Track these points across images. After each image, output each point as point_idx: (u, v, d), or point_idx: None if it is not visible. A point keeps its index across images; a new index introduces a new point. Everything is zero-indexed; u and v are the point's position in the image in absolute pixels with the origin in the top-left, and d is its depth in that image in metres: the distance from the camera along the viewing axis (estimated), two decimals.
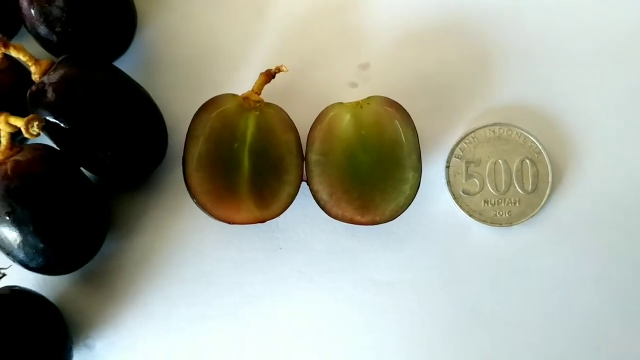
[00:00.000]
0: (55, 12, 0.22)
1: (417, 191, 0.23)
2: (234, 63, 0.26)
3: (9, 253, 0.22)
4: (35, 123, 0.21)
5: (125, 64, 0.25)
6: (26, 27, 0.24)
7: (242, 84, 0.25)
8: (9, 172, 0.21)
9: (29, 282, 0.24)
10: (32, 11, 0.22)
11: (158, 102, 0.24)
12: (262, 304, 0.24)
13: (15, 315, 0.22)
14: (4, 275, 0.23)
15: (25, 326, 0.22)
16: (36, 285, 0.24)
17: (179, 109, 0.25)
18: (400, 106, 0.23)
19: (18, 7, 0.23)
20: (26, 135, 0.21)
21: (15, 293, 0.23)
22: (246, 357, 0.24)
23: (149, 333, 0.24)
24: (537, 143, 0.25)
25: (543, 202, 0.24)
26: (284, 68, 0.24)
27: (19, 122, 0.21)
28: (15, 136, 0.22)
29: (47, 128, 0.22)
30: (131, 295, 0.24)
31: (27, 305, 0.23)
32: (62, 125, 0.22)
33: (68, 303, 0.24)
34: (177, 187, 0.25)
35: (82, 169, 0.23)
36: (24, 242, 0.21)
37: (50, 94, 0.22)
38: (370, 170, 0.23)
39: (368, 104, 0.24)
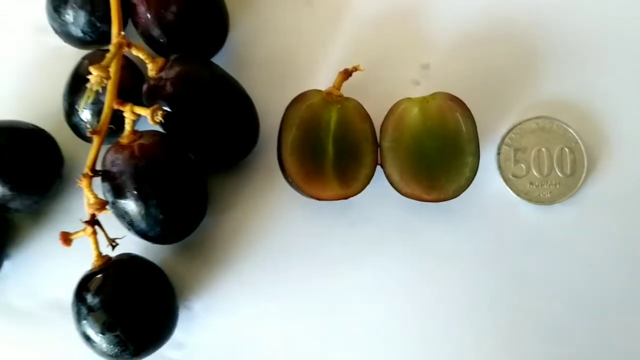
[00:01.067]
0: (169, 16, 0.26)
1: (475, 174, 0.27)
2: (313, 60, 0.29)
3: (130, 223, 0.25)
4: (159, 112, 0.24)
5: (218, 61, 0.28)
6: (137, 28, 0.27)
7: (321, 78, 0.29)
8: (136, 153, 0.25)
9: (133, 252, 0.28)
10: (149, 15, 0.26)
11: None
12: (338, 272, 0.28)
13: (134, 277, 0.26)
14: (117, 244, 0.27)
15: (142, 287, 0.26)
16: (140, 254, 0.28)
17: (265, 100, 0.28)
18: (461, 101, 0.27)
19: (133, 12, 0.26)
20: (150, 122, 0.24)
21: (133, 258, 0.26)
22: (324, 317, 0.28)
23: (240, 296, 0.28)
24: (574, 134, 0.28)
25: (579, 184, 0.28)
26: (360, 67, 0.28)
27: (144, 112, 0.24)
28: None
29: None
30: (225, 263, 0.28)
31: (143, 269, 0.26)
32: (176, 114, 0.25)
33: (169, 270, 0.28)
34: (266, 169, 0.28)
35: None
36: (147, 214, 0.25)
37: (168, 87, 0.25)
38: (435, 155, 0.27)
39: (433, 99, 0.27)
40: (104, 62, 0.23)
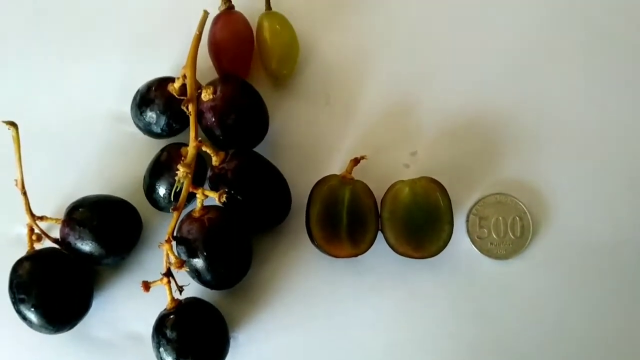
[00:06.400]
0: (230, 121, 0.35)
1: (450, 237, 0.36)
2: (331, 147, 0.39)
3: (198, 275, 0.34)
4: (225, 195, 0.33)
5: (260, 147, 0.37)
6: (201, 126, 0.36)
7: (337, 160, 0.39)
8: (206, 225, 0.33)
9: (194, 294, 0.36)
10: (213, 120, 0.35)
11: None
12: (347, 309, 0.37)
13: (199, 315, 0.34)
14: (183, 289, 0.35)
15: (205, 323, 0.34)
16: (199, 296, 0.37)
17: (294, 177, 0.37)
18: (440, 183, 0.37)
19: (201, 116, 0.35)
20: (217, 203, 0.33)
21: (197, 301, 0.35)
22: (336, 344, 0.37)
23: (275, 329, 0.37)
24: (523, 206, 0.38)
25: (527, 244, 0.38)
26: (366, 157, 0.37)
27: (213, 194, 0.33)
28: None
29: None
30: (263, 303, 0.37)
31: (205, 309, 0.35)
32: (233, 193, 0.34)
33: (220, 308, 0.36)
34: (296, 232, 0.37)
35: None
36: (212, 269, 0.34)
37: (230, 175, 0.34)
38: (421, 224, 0.36)
39: (420, 181, 0.37)
40: (187, 160, 0.32)
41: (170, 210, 0.33)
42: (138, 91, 0.36)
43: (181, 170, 0.32)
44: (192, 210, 0.35)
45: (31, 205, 0.36)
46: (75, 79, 0.40)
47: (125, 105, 0.38)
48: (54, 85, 0.40)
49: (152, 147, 0.38)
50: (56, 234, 0.36)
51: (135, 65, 0.40)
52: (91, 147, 0.39)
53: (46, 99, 0.40)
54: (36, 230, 0.36)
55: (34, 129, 0.39)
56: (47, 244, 0.36)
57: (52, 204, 0.38)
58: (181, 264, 0.33)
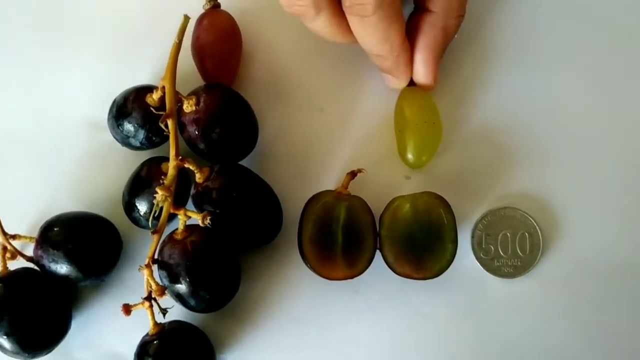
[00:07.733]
0: (214, 135, 0.32)
1: (454, 257, 0.34)
2: (325, 157, 0.36)
3: (181, 300, 0.32)
4: (209, 217, 0.30)
5: (248, 158, 0.35)
6: (183, 137, 0.33)
7: (332, 171, 0.36)
8: (189, 249, 0.31)
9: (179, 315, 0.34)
10: (197, 133, 0.32)
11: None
12: (343, 328, 0.35)
13: (183, 340, 0.32)
14: (167, 312, 0.33)
15: (189, 348, 0.32)
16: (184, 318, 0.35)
17: (286, 189, 0.35)
18: (443, 198, 0.34)
19: (183, 129, 0.32)
20: (201, 225, 0.31)
21: (181, 325, 0.33)
22: None
23: (264, 349, 0.35)
24: (533, 221, 0.36)
25: (536, 262, 0.35)
26: (363, 170, 0.34)
27: (196, 216, 0.31)
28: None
29: None
30: (252, 323, 0.35)
31: (189, 333, 0.33)
32: (219, 213, 0.32)
33: (207, 328, 0.34)
34: (288, 249, 0.35)
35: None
36: (196, 295, 0.31)
37: (214, 194, 0.32)
38: (423, 242, 0.34)
39: (421, 196, 0.34)
40: (167, 182, 0.30)
41: (151, 234, 0.31)
42: (114, 102, 0.33)
43: (160, 194, 0.29)
44: (174, 231, 0.32)
45: (4, 220, 0.33)
46: (49, 84, 0.37)
47: (103, 112, 0.35)
48: (26, 91, 0.37)
49: (132, 157, 0.35)
50: (31, 251, 0.34)
51: (113, 67, 0.37)
52: (67, 157, 0.36)
53: (17, 106, 0.37)
54: (9, 248, 0.34)
55: (5, 138, 0.36)
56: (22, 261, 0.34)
57: (27, 217, 0.36)
58: (162, 291, 0.31)
